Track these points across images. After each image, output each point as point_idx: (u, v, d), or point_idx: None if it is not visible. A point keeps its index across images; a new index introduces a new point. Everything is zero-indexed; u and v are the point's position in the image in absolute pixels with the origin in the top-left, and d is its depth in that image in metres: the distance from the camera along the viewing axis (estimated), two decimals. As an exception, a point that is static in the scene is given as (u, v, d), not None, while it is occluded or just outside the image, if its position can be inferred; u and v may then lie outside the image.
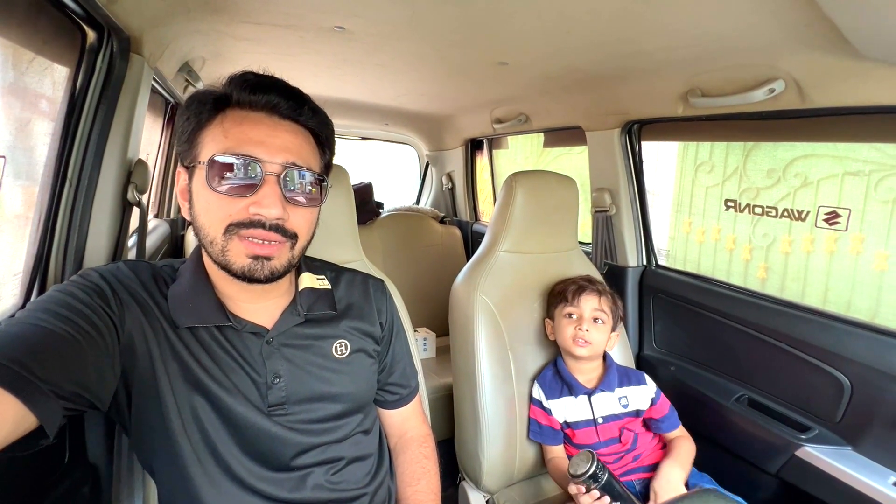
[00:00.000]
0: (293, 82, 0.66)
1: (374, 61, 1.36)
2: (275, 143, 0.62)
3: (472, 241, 2.57)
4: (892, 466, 0.97)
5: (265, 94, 0.63)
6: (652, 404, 1.12)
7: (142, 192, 0.89)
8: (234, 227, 0.60)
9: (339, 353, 0.74)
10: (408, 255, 2.33)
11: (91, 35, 0.77)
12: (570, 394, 1.12)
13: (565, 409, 1.12)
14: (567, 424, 1.12)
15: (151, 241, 1.35)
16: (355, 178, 2.46)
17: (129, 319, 0.62)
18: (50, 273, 0.76)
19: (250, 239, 0.61)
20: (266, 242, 0.62)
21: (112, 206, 0.83)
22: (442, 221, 2.64)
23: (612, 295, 1.17)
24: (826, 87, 0.94)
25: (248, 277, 0.62)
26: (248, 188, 0.60)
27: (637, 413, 1.12)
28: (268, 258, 0.62)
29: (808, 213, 1.42)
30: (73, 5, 0.69)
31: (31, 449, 0.48)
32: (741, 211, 1.79)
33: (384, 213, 2.53)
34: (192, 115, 0.63)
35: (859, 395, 1.03)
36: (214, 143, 0.61)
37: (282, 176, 0.62)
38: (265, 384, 0.67)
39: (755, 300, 1.24)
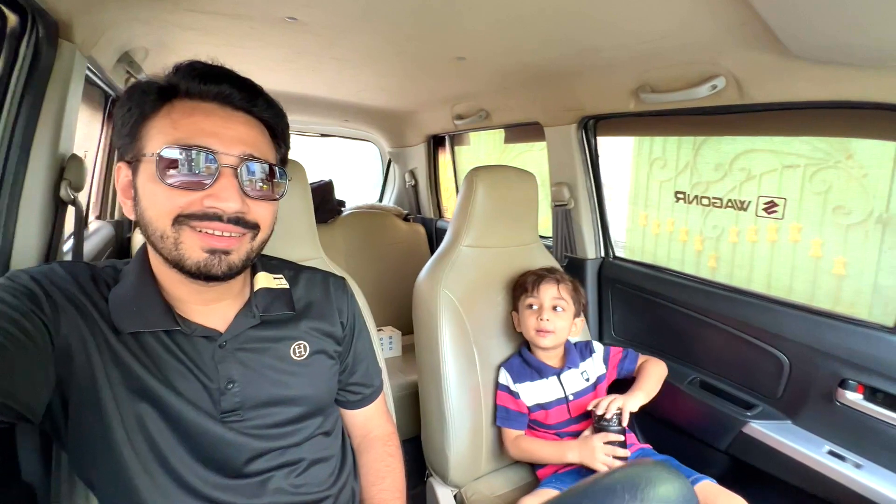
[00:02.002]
0: (246, 75, 0.63)
1: (331, 55, 1.33)
2: (229, 135, 0.59)
3: (436, 238, 2.56)
4: (826, 437, 1.05)
5: (216, 84, 0.59)
6: (605, 361, 1.21)
7: (77, 189, 0.83)
8: (184, 219, 0.57)
9: (298, 355, 0.72)
10: (371, 253, 2.30)
11: (12, 18, 0.70)
12: (541, 377, 1.16)
13: (536, 392, 1.15)
14: (538, 406, 1.14)
15: (93, 244, 1.26)
16: (315, 177, 2.40)
17: (65, 324, 0.57)
18: (-30, 278, 0.69)
19: (206, 231, 0.57)
20: (224, 235, 0.58)
21: (42, 204, 0.77)
22: (405, 219, 2.62)
23: (573, 282, 1.21)
24: (762, 83, 1.00)
25: (203, 274, 0.58)
26: (203, 181, 0.57)
27: (597, 382, 1.18)
28: (226, 252, 0.59)
29: (749, 202, 1.51)
30: (-12, -15, 0.63)
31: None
32: (690, 202, 1.89)
33: (346, 211, 2.48)
34: (135, 105, 0.59)
35: (797, 372, 1.10)
36: (163, 135, 0.57)
37: (239, 168, 0.59)
38: (218, 390, 0.64)
39: (704, 287, 1.31)
